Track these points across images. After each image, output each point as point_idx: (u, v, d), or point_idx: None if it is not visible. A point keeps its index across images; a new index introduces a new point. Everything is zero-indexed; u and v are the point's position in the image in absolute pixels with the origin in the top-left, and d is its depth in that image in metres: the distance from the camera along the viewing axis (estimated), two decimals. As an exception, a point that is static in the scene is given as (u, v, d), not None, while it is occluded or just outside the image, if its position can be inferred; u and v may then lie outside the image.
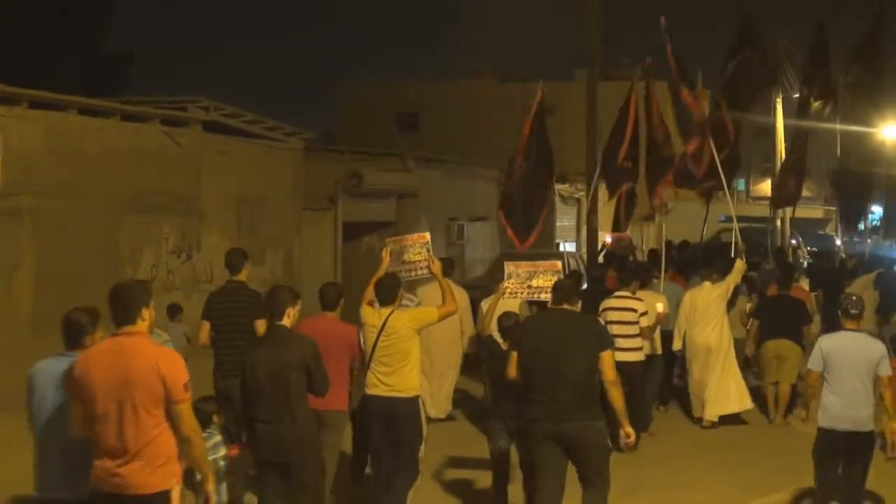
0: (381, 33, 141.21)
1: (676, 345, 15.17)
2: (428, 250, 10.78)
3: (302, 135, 23.25)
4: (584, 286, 16.60)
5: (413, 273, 10.87)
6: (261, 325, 10.19)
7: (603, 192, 21.24)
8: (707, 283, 15.25)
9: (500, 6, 58.52)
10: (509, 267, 12.25)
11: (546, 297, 11.18)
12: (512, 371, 9.00)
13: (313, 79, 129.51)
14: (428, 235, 11.10)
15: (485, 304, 12.61)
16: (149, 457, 6.57)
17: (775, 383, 15.26)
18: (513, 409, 9.57)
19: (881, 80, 25.44)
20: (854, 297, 10.43)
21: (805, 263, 25.20)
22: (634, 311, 13.55)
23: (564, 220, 37.84)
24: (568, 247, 36.34)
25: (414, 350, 9.68)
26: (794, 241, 30.29)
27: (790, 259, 23.54)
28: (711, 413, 14.91)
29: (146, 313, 6.73)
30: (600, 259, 20.42)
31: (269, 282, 19.56)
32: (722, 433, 14.75)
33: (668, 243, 19.22)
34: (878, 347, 10.01)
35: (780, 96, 27.54)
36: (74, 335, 7.02)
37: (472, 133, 48.83)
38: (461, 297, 14.27)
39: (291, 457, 8.35)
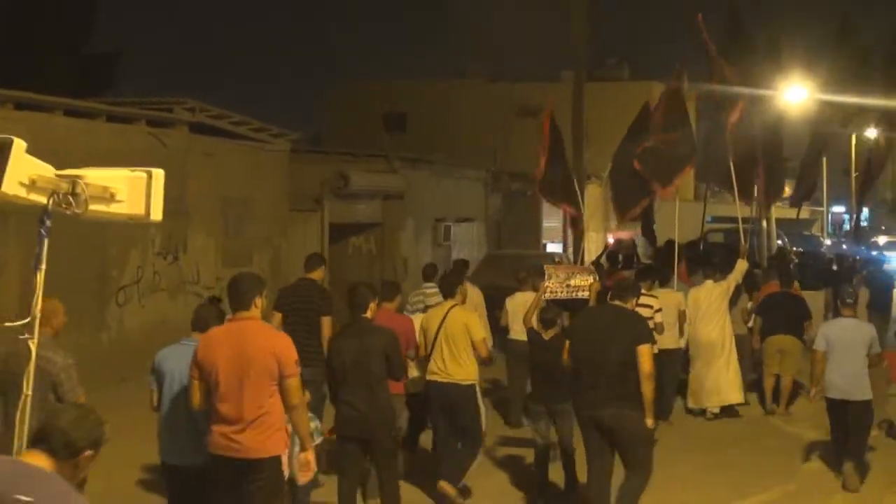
0: (368, 33, 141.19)
1: (680, 341, 15.59)
2: (595, 279, 12.86)
3: (288, 136, 23.23)
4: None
5: (576, 293, 12.96)
6: (326, 323, 11.22)
7: (590, 193, 21.31)
8: (709, 282, 15.95)
9: (488, 6, 58.51)
10: (549, 269, 13.60)
11: (584, 294, 12.99)
12: (567, 357, 9.81)
13: (300, 80, 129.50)
14: (593, 267, 13.47)
15: (509, 303, 14.58)
16: (262, 425, 7.45)
17: (776, 375, 15.90)
18: (551, 393, 10.77)
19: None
20: (850, 289, 12.92)
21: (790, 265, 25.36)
22: (650, 307, 13.75)
23: (551, 220, 37.84)
24: (554, 247, 36.38)
25: (468, 342, 10.62)
26: (780, 242, 30.40)
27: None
28: (713, 403, 15.52)
29: (259, 301, 7.68)
30: (603, 260, 20.70)
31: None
32: (715, 432, 14.86)
33: (670, 242, 19.45)
34: (870, 330, 12.25)
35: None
36: (202, 323, 8.22)
37: (459, 133, 48.87)
38: (476, 295, 14.99)
39: (373, 434, 9.21)
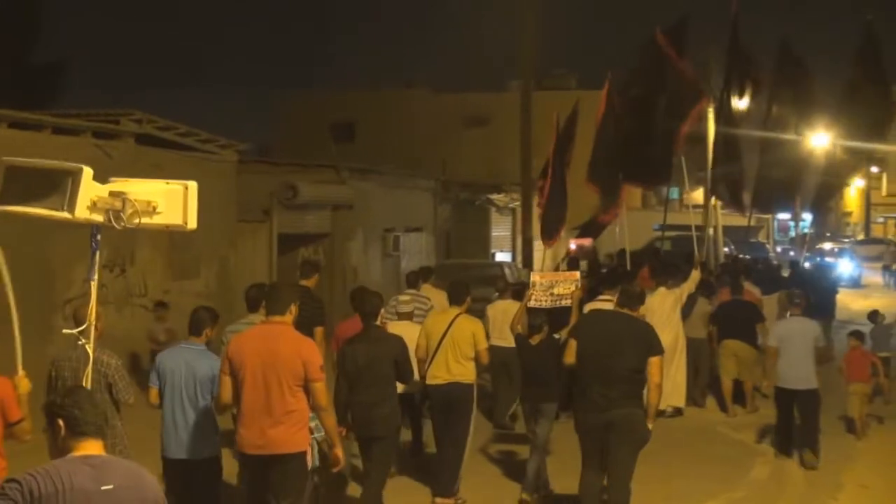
0: (316, 44, 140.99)
1: None
2: (577, 287, 13.35)
3: (236, 147, 23.13)
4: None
5: (560, 301, 13.29)
6: (319, 333, 11.58)
7: (537, 202, 21.40)
8: (662, 289, 16.34)
9: (435, 17, 58.75)
10: (534, 277, 14.00)
11: (567, 302, 13.32)
12: (570, 357, 9.94)
13: (248, 91, 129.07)
14: (577, 274, 14.02)
15: (490, 310, 15.27)
16: (289, 423, 8.05)
17: (734, 380, 16.59)
18: (536, 393, 11.42)
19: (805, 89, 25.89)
20: (797, 291, 14.90)
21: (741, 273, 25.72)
22: None
23: (500, 229, 37.95)
24: (503, 256, 36.47)
25: (473, 349, 11.24)
26: (726, 249, 30.66)
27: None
28: (664, 403, 15.47)
29: (294, 308, 8.29)
30: (563, 266, 20.83)
31: (204, 295, 19.46)
32: (661, 440, 14.78)
33: (622, 251, 19.84)
34: (815, 326, 13.89)
35: (712, 105, 27.81)
36: (197, 327, 9.02)
37: (407, 143, 48.88)
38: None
39: (381, 432, 9.98)
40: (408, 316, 12.60)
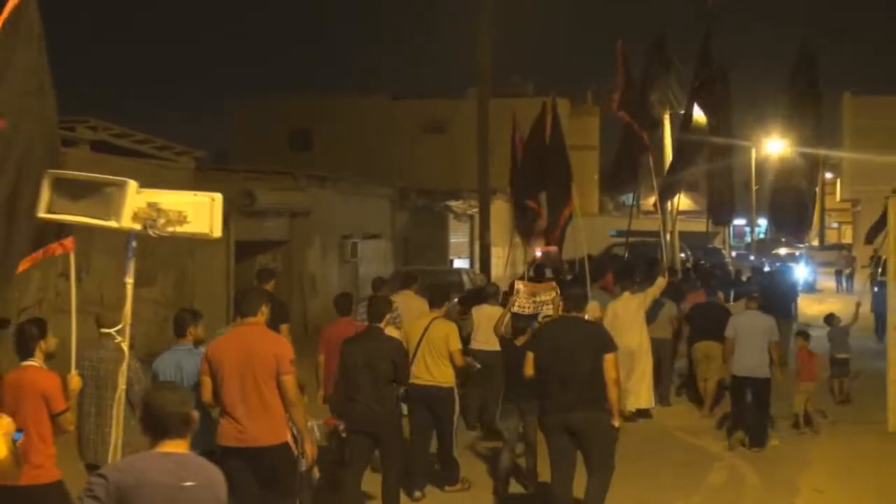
0: (273, 51, 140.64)
1: None
2: (557, 293, 13.89)
3: (193, 154, 23.05)
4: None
5: (542, 307, 14.16)
6: (285, 329, 11.70)
7: (495, 209, 21.51)
8: (626, 294, 16.66)
9: (393, 24, 58.85)
10: (518, 285, 14.76)
11: (548, 308, 14.08)
12: (528, 369, 10.30)
13: (204, 97, 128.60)
14: (555, 283, 14.96)
15: (476, 313, 15.40)
16: (268, 417, 8.51)
17: (705, 380, 16.97)
18: (521, 393, 11.57)
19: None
20: (754, 289, 16.59)
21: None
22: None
23: (458, 236, 38.01)
24: (461, 263, 36.52)
25: (447, 350, 11.73)
26: (683, 255, 30.82)
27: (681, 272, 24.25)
28: (630, 405, 16.09)
29: (265, 309, 8.89)
30: (531, 272, 21.21)
31: (161, 303, 19.40)
32: (621, 446, 14.96)
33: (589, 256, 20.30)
34: (770, 320, 14.90)
35: (668, 112, 27.97)
36: (180, 328, 9.49)
37: (365, 150, 48.85)
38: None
39: (382, 430, 10.33)
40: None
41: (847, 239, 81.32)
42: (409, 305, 14.64)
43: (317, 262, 27.49)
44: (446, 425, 11.95)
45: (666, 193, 25.42)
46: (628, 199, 36.55)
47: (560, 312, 13.28)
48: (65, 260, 19.05)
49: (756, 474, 13.21)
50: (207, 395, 8.72)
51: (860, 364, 18.83)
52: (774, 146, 31.02)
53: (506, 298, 15.19)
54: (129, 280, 7.15)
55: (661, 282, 17.06)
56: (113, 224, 6.52)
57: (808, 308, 32.75)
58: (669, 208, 27.47)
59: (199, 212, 6.80)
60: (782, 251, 51.39)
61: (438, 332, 11.83)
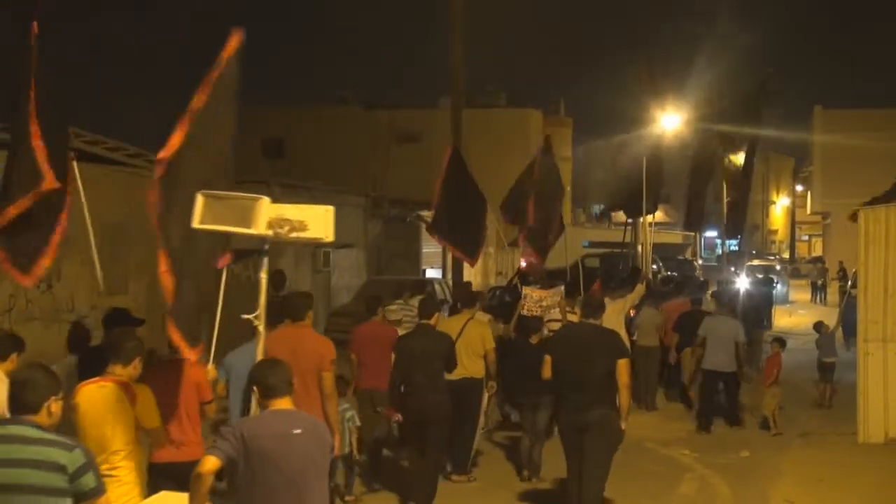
0: (246, 58, 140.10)
1: None
2: (562, 298, 15.79)
3: (165, 162, 22.92)
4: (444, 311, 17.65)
5: (549, 311, 15.58)
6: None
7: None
8: (606, 299, 16.64)
9: (366, 33, 58.87)
10: (526, 291, 16.33)
11: (555, 313, 15.56)
12: (546, 372, 10.89)
13: (177, 105, 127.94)
14: (562, 289, 16.29)
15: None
16: (307, 405, 8.95)
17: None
18: (535, 388, 12.50)
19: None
20: (726, 297, 19.21)
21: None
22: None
23: (430, 245, 37.99)
24: (433, 273, 36.52)
25: (482, 349, 12.98)
26: (654, 266, 30.95)
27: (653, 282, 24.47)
28: None
29: (310, 314, 10.28)
30: (516, 281, 22.38)
31: (133, 310, 19.26)
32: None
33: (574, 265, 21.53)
34: (736, 325, 16.88)
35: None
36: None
37: (338, 159, 48.80)
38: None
39: (433, 416, 11.40)
40: (397, 323, 14.66)
41: (817, 251, 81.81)
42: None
43: (289, 271, 27.36)
44: (474, 411, 13.06)
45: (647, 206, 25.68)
46: (597, 210, 36.69)
47: (566, 314, 15.41)
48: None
49: (727, 485, 13.25)
50: None
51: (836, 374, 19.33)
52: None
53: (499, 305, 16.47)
54: (263, 275, 8.33)
55: (640, 289, 18.12)
56: (252, 231, 7.80)
57: (780, 319, 32.91)
58: (642, 220, 27.66)
59: (316, 220, 8.04)
60: (755, 263, 51.67)
61: (475, 332, 13.06)
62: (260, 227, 7.82)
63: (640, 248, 28.96)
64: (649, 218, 28.50)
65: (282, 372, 6.78)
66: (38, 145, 9.28)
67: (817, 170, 70.82)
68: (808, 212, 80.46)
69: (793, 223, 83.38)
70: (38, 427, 5.76)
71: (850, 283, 26.72)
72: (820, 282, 48.62)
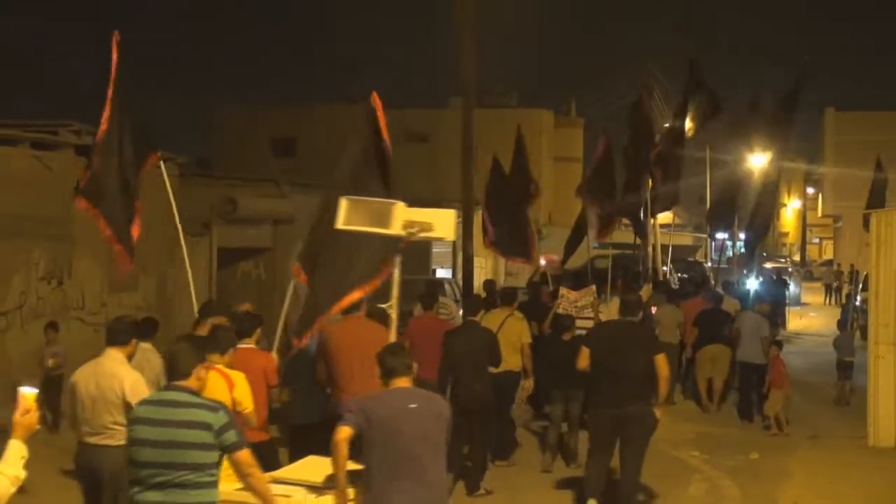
0: (258, 58, 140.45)
1: None
2: (594, 297, 17.39)
3: (175, 160, 22.94)
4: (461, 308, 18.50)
5: (584, 311, 16.82)
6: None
7: (478, 219, 21.55)
8: (616, 298, 17.23)
9: (377, 32, 58.91)
10: (562, 291, 17.73)
11: (589, 312, 16.88)
12: (583, 362, 11.37)
13: (188, 103, 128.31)
14: (594, 288, 17.86)
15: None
16: (369, 389, 9.32)
17: (709, 379, 18.92)
18: (567, 381, 13.46)
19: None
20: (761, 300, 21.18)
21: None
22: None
23: (440, 246, 37.95)
24: (443, 273, 36.48)
25: (520, 344, 14.03)
26: (664, 268, 30.86)
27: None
28: None
29: (365, 307, 11.19)
30: (537, 278, 23.18)
31: (143, 309, 19.27)
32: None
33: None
34: (761, 319, 18.48)
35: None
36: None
37: (348, 159, 48.69)
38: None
39: (479, 406, 12.26)
40: None
41: (828, 254, 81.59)
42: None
43: (300, 269, 27.38)
44: (509, 402, 14.22)
45: (657, 206, 25.54)
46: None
47: (598, 313, 16.76)
48: (47, 264, 19.04)
49: (736, 487, 13.25)
50: (322, 375, 11.13)
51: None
52: (757, 160, 31.21)
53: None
54: (396, 270, 9.68)
55: (647, 289, 19.27)
56: (389, 231, 9.09)
57: (792, 322, 32.93)
58: (652, 220, 27.61)
59: (440, 222, 9.29)
60: (767, 265, 51.57)
61: (514, 328, 14.05)
62: (396, 228, 9.08)
63: (650, 249, 28.87)
64: (660, 219, 28.41)
65: (401, 355, 7.66)
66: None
67: (828, 172, 70.65)
68: (819, 214, 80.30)
69: (804, 226, 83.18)
70: (190, 391, 6.83)
71: (859, 286, 26.67)
72: (835, 284, 48.70)
